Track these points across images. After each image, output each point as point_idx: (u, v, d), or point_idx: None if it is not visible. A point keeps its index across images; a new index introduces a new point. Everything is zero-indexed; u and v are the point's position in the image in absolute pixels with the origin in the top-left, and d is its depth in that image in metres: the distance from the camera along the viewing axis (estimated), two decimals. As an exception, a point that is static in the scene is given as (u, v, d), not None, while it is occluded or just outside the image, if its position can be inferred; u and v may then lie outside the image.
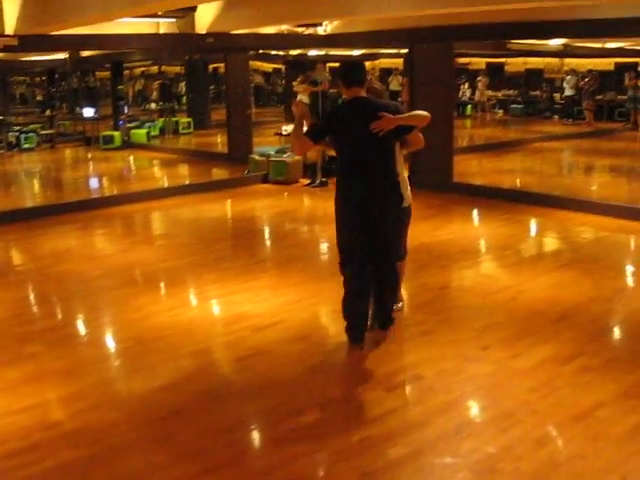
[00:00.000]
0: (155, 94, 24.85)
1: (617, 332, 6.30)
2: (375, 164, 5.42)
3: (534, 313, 6.41)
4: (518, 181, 14.21)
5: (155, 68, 29.53)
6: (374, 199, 5.41)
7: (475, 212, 10.99)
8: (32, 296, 7.60)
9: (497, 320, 6.23)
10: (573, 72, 23.88)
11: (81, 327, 6.56)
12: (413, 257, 7.91)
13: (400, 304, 6.26)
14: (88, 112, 20.68)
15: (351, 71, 5.54)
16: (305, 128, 5.68)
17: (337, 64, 26.48)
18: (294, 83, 19.13)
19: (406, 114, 5.54)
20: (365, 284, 5.56)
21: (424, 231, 9.34)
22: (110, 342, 6.17)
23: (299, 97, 16.34)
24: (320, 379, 5.14)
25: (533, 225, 10.31)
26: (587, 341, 5.78)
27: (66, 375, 5.31)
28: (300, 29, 13.78)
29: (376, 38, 13.08)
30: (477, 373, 5.16)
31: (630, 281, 7.69)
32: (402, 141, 5.71)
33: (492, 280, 7.45)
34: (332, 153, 13.63)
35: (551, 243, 9.40)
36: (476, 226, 10.44)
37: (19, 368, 5.43)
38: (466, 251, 8.63)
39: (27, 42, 11.25)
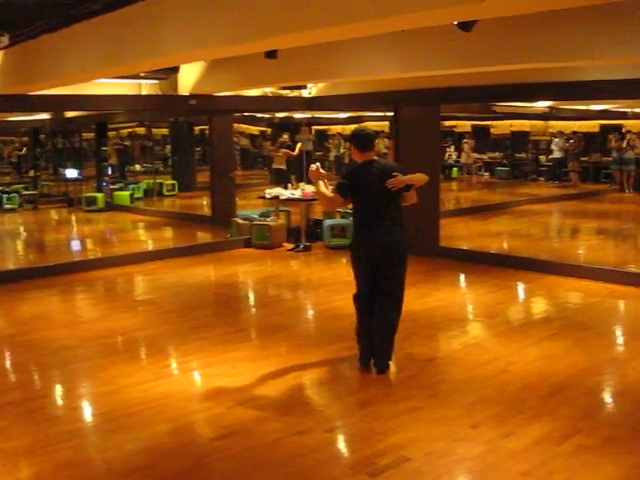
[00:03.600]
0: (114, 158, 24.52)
1: (614, 407, 5.99)
2: (388, 215, 6.39)
3: (525, 387, 6.12)
4: (505, 245, 13.99)
5: (142, 129, 29.54)
6: (388, 245, 6.35)
7: (462, 278, 10.75)
8: (1, 366, 7.24)
9: (487, 395, 5.92)
10: (560, 134, 23.97)
11: (47, 401, 6.15)
12: (399, 326, 7.66)
13: None
14: (71, 173, 20.52)
15: (365, 138, 6.54)
16: (323, 186, 6.46)
17: (324, 126, 26.51)
18: (267, 145, 18.98)
19: (411, 175, 6.46)
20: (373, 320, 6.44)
21: (410, 298, 8.99)
22: (77, 418, 5.78)
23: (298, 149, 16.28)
24: (299, 463, 4.78)
25: (522, 291, 10.06)
26: (582, 417, 5.49)
27: (27, 455, 4.95)
28: (285, 92, 13.69)
29: (362, 101, 12.98)
30: (467, 455, 4.83)
31: (624, 350, 7.40)
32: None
33: (481, 351, 7.14)
34: (319, 217, 13.61)
35: (541, 310, 9.13)
36: (464, 292, 10.17)
37: (-23, 447, 5.08)
38: (454, 319, 8.35)
39: (6, 102, 11.08)
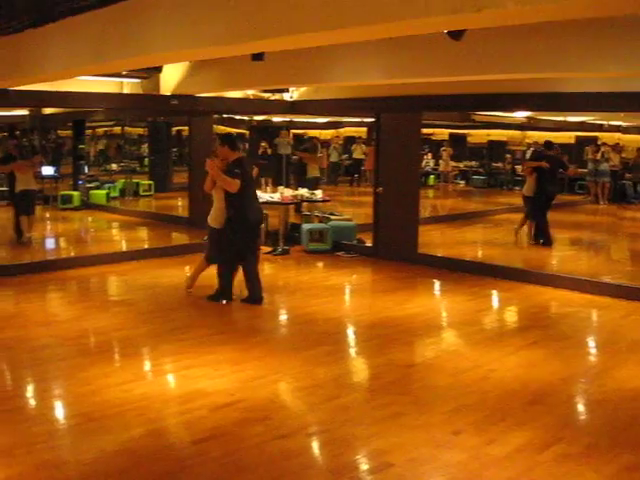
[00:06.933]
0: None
1: (593, 415, 6.03)
2: (256, 196, 9.27)
3: (506, 394, 6.15)
4: (482, 253, 14.05)
5: (118, 129, 29.28)
6: (260, 217, 9.30)
7: (441, 285, 10.77)
8: (-25, 365, 7.15)
9: (468, 402, 5.94)
10: (536, 144, 24.10)
11: (24, 401, 6.10)
12: (379, 332, 7.77)
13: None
14: (48, 170, 20.32)
15: (235, 141, 9.37)
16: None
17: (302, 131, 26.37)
18: (303, 154, 17.69)
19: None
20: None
21: (389, 304, 9.11)
22: (55, 419, 5.72)
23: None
24: (282, 467, 4.76)
25: (500, 300, 10.11)
26: (563, 425, 5.53)
27: (5, 455, 4.87)
28: (266, 95, 13.67)
29: (343, 106, 13.01)
30: (450, 461, 4.83)
31: (602, 360, 7.44)
32: None
33: (461, 358, 7.16)
34: (295, 220, 13.59)
35: (519, 319, 9.17)
36: (442, 300, 10.19)
37: (-47, 447, 4.99)
38: (433, 326, 8.38)
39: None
